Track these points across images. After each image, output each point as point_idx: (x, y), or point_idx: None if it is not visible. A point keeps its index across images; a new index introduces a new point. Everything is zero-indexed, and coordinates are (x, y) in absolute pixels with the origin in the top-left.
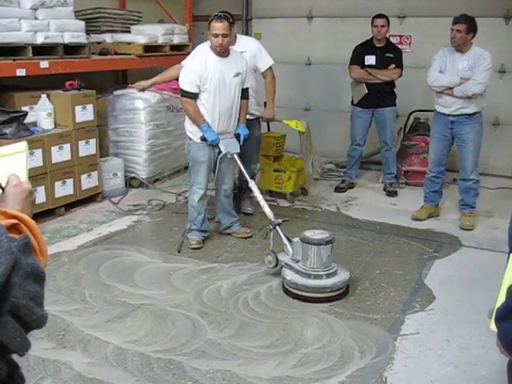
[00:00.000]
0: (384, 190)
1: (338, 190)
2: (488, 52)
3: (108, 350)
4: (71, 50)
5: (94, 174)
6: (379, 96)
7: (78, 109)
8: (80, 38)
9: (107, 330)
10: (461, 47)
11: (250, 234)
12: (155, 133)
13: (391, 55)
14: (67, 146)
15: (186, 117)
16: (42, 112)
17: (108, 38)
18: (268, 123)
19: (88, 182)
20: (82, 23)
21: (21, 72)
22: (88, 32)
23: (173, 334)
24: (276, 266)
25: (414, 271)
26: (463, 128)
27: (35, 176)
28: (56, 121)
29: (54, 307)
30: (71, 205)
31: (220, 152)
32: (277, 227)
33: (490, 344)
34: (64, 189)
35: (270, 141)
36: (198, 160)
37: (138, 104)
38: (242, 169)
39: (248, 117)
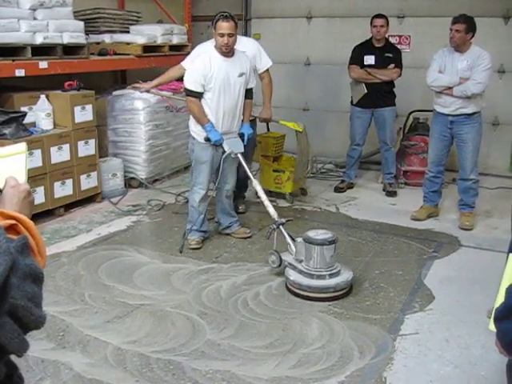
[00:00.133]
0: (383, 190)
1: (337, 190)
2: (487, 52)
3: (107, 351)
4: (70, 50)
5: (94, 174)
6: (379, 96)
7: (77, 109)
8: (79, 38)
9: (107, 331)
10: (460, 47)
11: (249, 235)
12: (154, 133)
13: (390, 55)
14: (66, 147)
15: (191, 116)
16: (41, 112)
17: (107, 38)
18: (267, 124)
19: (87, 182)
20: (81, 23)
21: (20, 72)
22: (87, 32)
23: (172, 335)
24: (279, 265)
25: (414, 271)
26: (462, 128)
27: (34, 176)
28: (55, 121)
29: (54, 308)
30: (70, 205)
31: (224, 152)
32: (280, 227)
33: (490, 344)
34: (63, 189)
35: (270, 141)
36: (200, 160)
37: (138, 104)
38: (246, 168)
39: None
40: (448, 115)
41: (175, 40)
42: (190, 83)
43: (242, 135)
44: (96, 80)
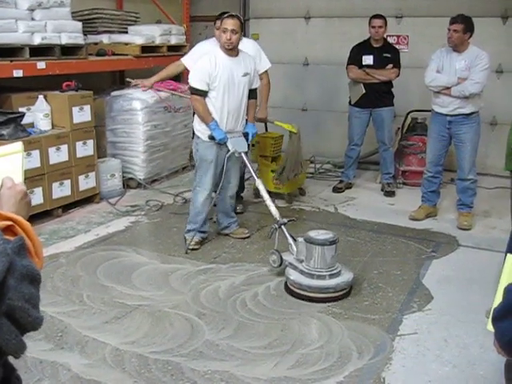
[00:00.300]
0: (382, 190)
1: (335, 190)
2: (485, 52)
3: (106, 352)
4: (68, 50)
5: (92, 174)
6: (377, 96)
7: (75, 110)
8: (77, 38)
9: (105, 332)
10: (458, 47)
11: (247, 235)
12: (153, 133)
13: (389, 55)
14: (64, 147)
15: (195, 115)
16: (39, 113)
17: (105, 38)
18: (265, 124)
19: (85, 182)
20: (79, 24)
21: (18, 73)
22: (85, 33)
23: (171, 335)
24: (280, 265)
25: (412, 271)
26: (461, 128)
27: (32, 177)
28: (53, 122)
29: (52, 308)
30: (69, 206)
31: (228, 151)
32: (282, 226)
33: (488, 344)
34: (61, 190)
35: (268, 141)
36: (205, 159)
37: (136, 105)
38: (250, 168)
39: None
40: (446, 115)
41: (173, 40)
42: (195, 81)
43: (246, 134)
44: (94, 80)
